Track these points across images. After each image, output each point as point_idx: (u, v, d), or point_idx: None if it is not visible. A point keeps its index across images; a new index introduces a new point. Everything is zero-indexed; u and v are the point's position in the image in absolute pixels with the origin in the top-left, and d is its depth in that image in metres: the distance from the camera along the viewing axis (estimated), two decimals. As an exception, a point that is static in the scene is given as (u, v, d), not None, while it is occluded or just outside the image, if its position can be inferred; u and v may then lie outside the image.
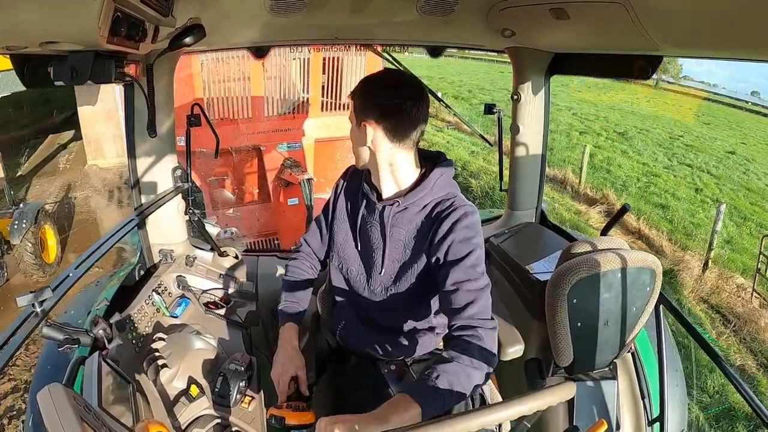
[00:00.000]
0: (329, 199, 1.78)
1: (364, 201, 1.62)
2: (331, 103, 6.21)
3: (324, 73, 5.98)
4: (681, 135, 19.97)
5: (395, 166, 1.52)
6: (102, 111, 11.34)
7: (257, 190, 6.29)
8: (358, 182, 1.65)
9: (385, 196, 1.57)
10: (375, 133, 1.47)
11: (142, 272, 2.22)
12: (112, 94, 11.12)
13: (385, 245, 1.57)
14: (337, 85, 6.09)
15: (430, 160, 1.59)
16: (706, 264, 8.21)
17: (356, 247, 1.66)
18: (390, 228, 1.56)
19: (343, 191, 1.73)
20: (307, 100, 6.05)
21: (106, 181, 11.12)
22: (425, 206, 1.53)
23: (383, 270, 1.60)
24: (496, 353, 1.37)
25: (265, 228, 6.08)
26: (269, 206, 6.07)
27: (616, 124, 20.33)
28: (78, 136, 12.20)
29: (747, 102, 41.66)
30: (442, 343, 1.85)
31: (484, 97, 22.28)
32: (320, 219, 1.81)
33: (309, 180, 5.40)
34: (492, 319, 1.41)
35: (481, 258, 1.47)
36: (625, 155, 15.85)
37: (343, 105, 6.20)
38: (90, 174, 11.44)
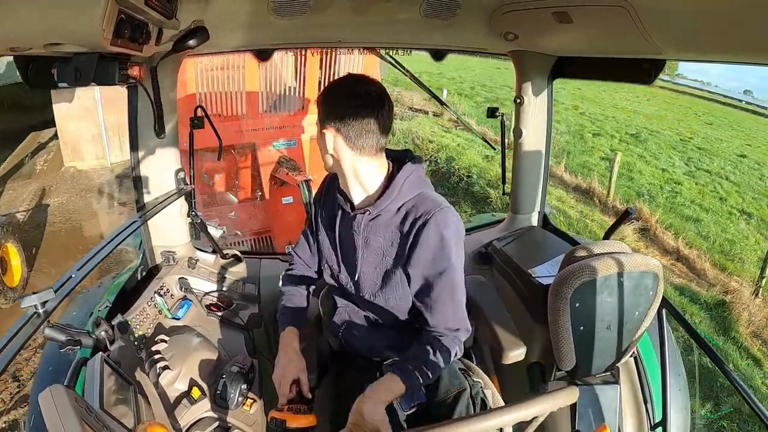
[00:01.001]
0: (311, 212, 1.81)
1: (340, 210, 1.63)
2: None
3: (321, 68, 5.78)
4: (691, 137, 19.54)
5: (359, 173, 1.53)
6: (79, 108, 10.37)
7: (251, 189, 6.14)
8: (334, 191, 1.66)
9: (356, 203, 1.58)
10: (335, 140, 1.49)
11: (144, 274, 2.23)
12: (90, 91, 10.32)
13: (363, 253, 1.58)
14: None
15: (397, 161, 1.59)
16: (756, 293, 7.43)
17: (338, 256, 1.67)
18: (365, 236, 1.57)
19: (321, 202, 1.74)
20: (304, 96, 5.90)
21: (84, 185, 10.12)
22: (399, 209, 1.53)
23: (364, 277, 1.61)
24: (449, 358, 1.54)
25: (259, 226, 5.89)
26: (263, 205, 5.94)
27: (627, 125, 19.73)
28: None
29: (741, 101, 41.81)
30: None
31: (487, 95, 21.80)
32: (307, 231, 1.84)
33: (307, 181, 5.15)
34: (457, 330, 1.57)
35: (460, 259, 1.54)
36: (642, 160, 15.20)
37: None
38: (67, 177, 10.51)
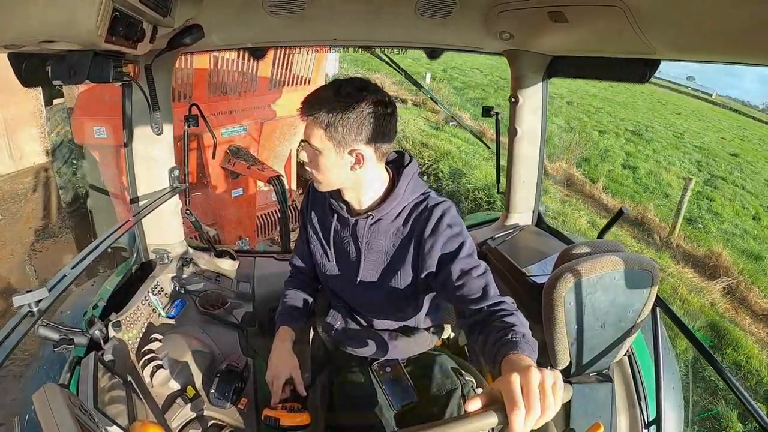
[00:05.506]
0: (300, 221, 1.79)
1: (335, 216, 1.60)
2: (281, 75, 5.51)
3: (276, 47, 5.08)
4: (681, 133, 18.51)
5: (374, 181, 1.50)
6: None
7: (195, 180, 5.32)
8: (322, 198, 1.64)
9: (357, 209, 1.55)
10: (365, 159, 1.40)
11: (138, 272, 2.22)
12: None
13: (363, 257, 1.57)
14: (288, 60, 5.48)
15: (392, 163, 1.57)
16: None
17: (331, 260, 1.66)
18: (366, 240, 1.55)
19: (310, 210, 1.71)
20: (256, 74, 5.33)
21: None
22: (400, 212, 1.52)
23: (364, 280, 1.60)
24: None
25: (205, 221, 5.22)
26: (208, 197, 5.32)
27: (621, 120, 18.42)
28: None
29: (687, 87, 42.31)
30: (439, 342, 1.86)
31: (464, 78, 20.69)
32: (298, 242, 1.83)
33: (279, 177, 4.64)
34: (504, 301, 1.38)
35: (473, 246, 1.47)
36: (660, 166, 13.03)
37: (293, 79, 5.61)
38: None
